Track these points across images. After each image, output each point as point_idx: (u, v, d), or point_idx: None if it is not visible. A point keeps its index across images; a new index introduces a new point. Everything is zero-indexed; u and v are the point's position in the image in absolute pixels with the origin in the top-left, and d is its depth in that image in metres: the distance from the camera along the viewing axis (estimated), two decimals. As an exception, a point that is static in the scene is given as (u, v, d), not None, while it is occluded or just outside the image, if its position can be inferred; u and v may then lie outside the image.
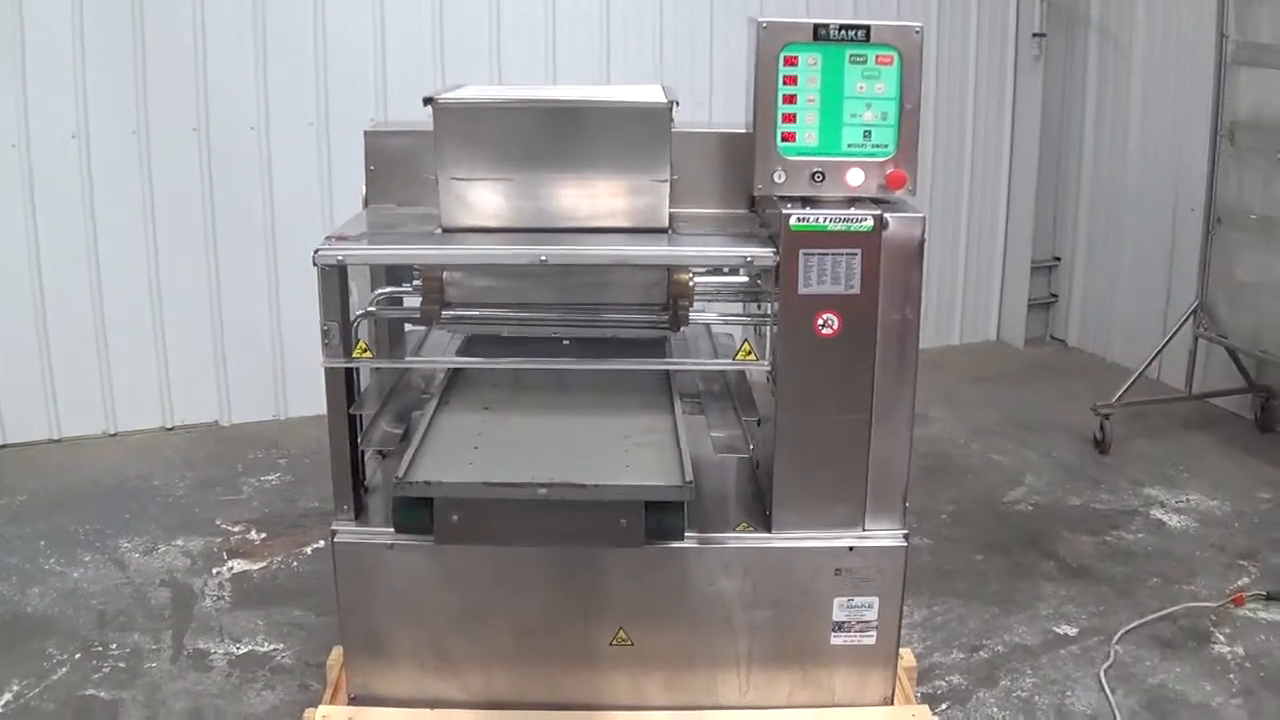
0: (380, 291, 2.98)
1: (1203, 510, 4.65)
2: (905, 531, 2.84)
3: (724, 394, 3.10)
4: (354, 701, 2.90)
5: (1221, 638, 3.71)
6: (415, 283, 2.89)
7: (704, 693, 2.90)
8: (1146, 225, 6.16)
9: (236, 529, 4.44)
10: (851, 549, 2.81)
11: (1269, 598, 3.89)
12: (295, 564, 4.17)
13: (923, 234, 2.68)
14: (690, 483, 2.56)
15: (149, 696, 3.36)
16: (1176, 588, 4.04)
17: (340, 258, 2.65)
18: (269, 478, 4.95)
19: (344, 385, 2.77)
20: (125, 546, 4.28)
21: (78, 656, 3.55)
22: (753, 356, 2.75)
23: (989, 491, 4.86)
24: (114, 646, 3.61)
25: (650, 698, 2.89)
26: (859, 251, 2.66)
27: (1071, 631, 3.78)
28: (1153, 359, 5.35)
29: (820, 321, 2.68)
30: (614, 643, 2.84)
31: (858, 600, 2.85)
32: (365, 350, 2.73)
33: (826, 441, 2.76)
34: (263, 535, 4.39)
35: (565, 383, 3.08)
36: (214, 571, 4.11)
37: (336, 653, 3.06)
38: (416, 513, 2.42)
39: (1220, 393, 5.53)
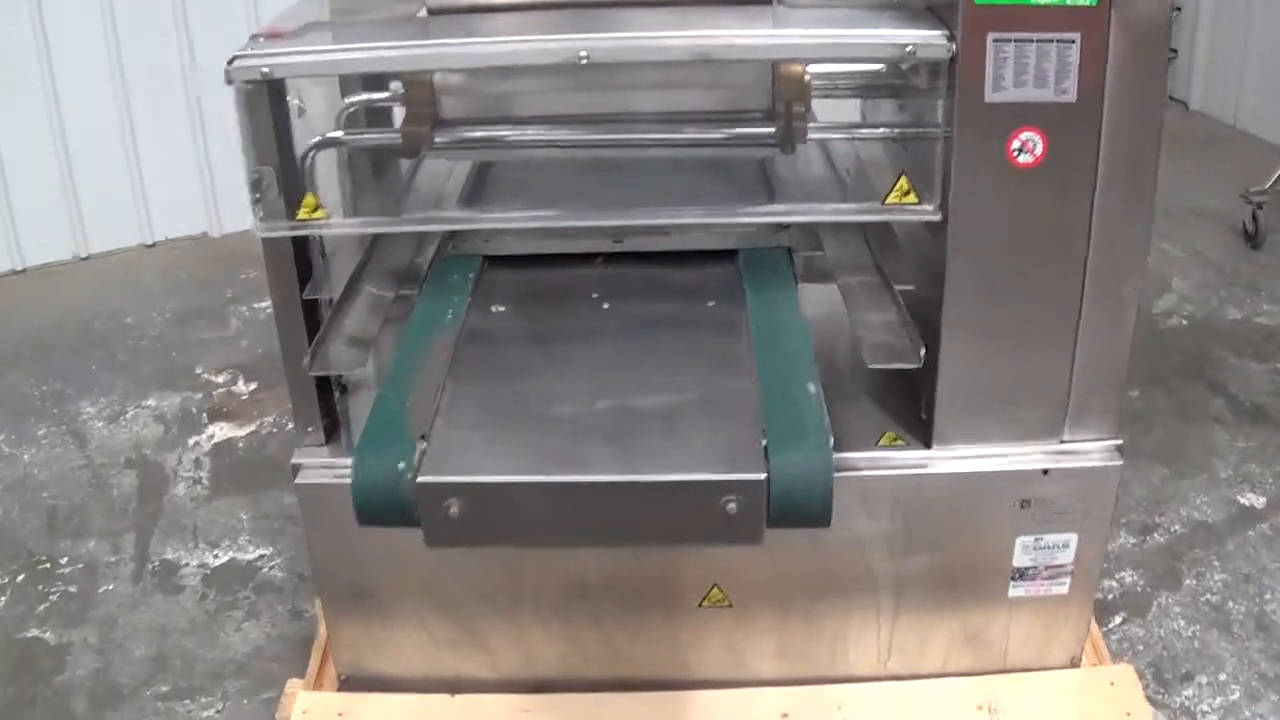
0: (352, 101, 1.96)
1: (1393, 324, 3.64)
2: (1119, 442, 1.87)
3: (857, 241, 2.04)
4: (345, 685, 2.02)
5: None
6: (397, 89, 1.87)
7: (830, 661, 1.99)
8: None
9: (220, 379, 3.52)
10: (1046, 472, 1.85)
11: None
12: (289, 423, 3.24)
13: (1170, 10, 1.62)
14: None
15: (103, 638, 2.52)
16: (1381, 437, 3.08)
17: (267, 68, 1.62)
18: (263, 304, 3.96)
19: (292, 259, 1.77)
20: (88, 412, 3.37)
21: (21, 579, 2.70)
22: (912, 198, 1.71)
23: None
24: (64, 561, 2.76)
25: (755, 669, 1.99)
26: (1077, 37, 1.59)
27: (1259, 502, 2.86)
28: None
29: (1016, 144, 1.64)
30: (705, 603, 1.92)
31: (1049, 539, 1.90)
32: (317, 208, 1.71)
33: (1017, 319, 1.76)
34: (251, 386, 3.47)
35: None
36: (190, 442, 3.21)
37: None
38: (389, 498, 1.45)
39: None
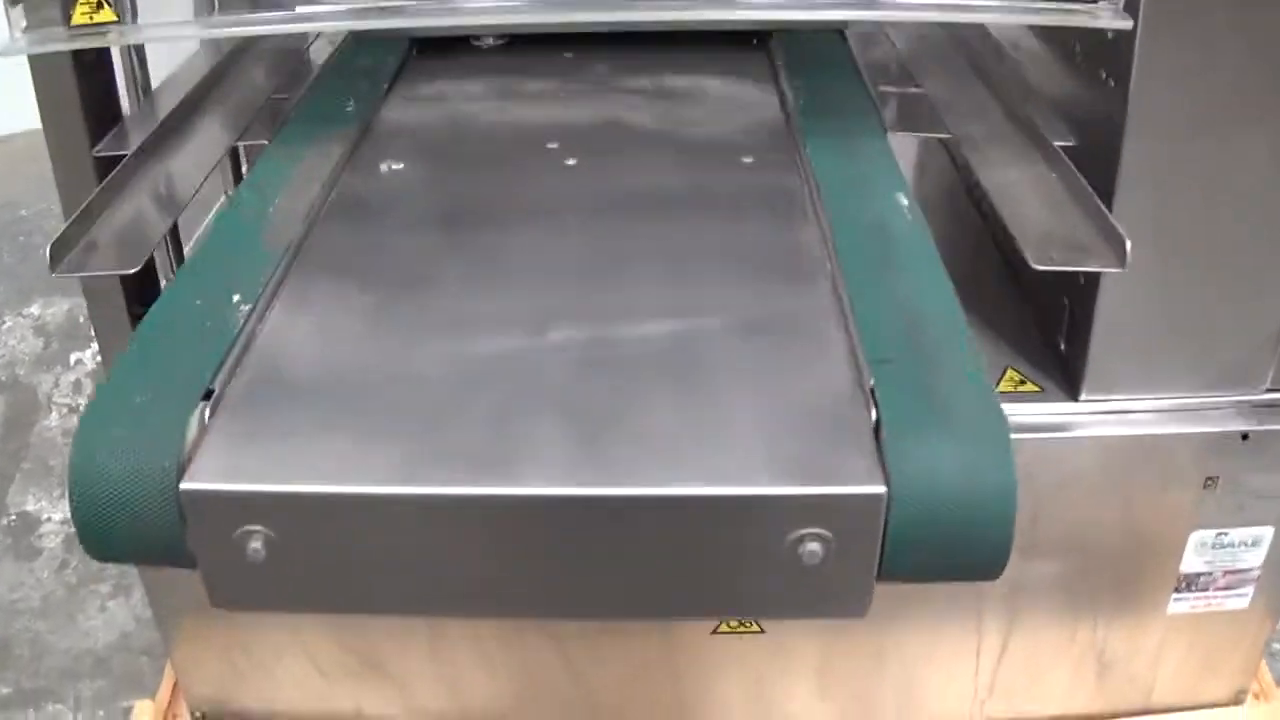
0: None
1: None
2: (1350, 394, 1.18)
3: (947, 49, 1.30)
4: (203, 724, 1.35)
5: None
6: None
7: (902, 706, 1.32)
8: None
9: (120, 284, 2.80)
10: (1245, 436, 1.16)
11: None
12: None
13: None
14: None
15: (-60, 617, 1.86)
16: None
17: None
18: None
19: (75, 91, 1.05)
20: (-42, 322, 2.66)
21: None
22: (1084, -10, 0.98)
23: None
24: (-91, 510, 2.08)
25: (792, 715, 1.32)
26: None
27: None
28: None
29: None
30: (724, 628, 1.24)
31: (1235, 534, 1.22)
32: (101, 6, 0.98)
33: (1228, 206, 1.05)
34: (156, 294, 2.75)
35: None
36: (72, 360, 2.50)
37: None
38: (130, 518, 0.71)
39: None
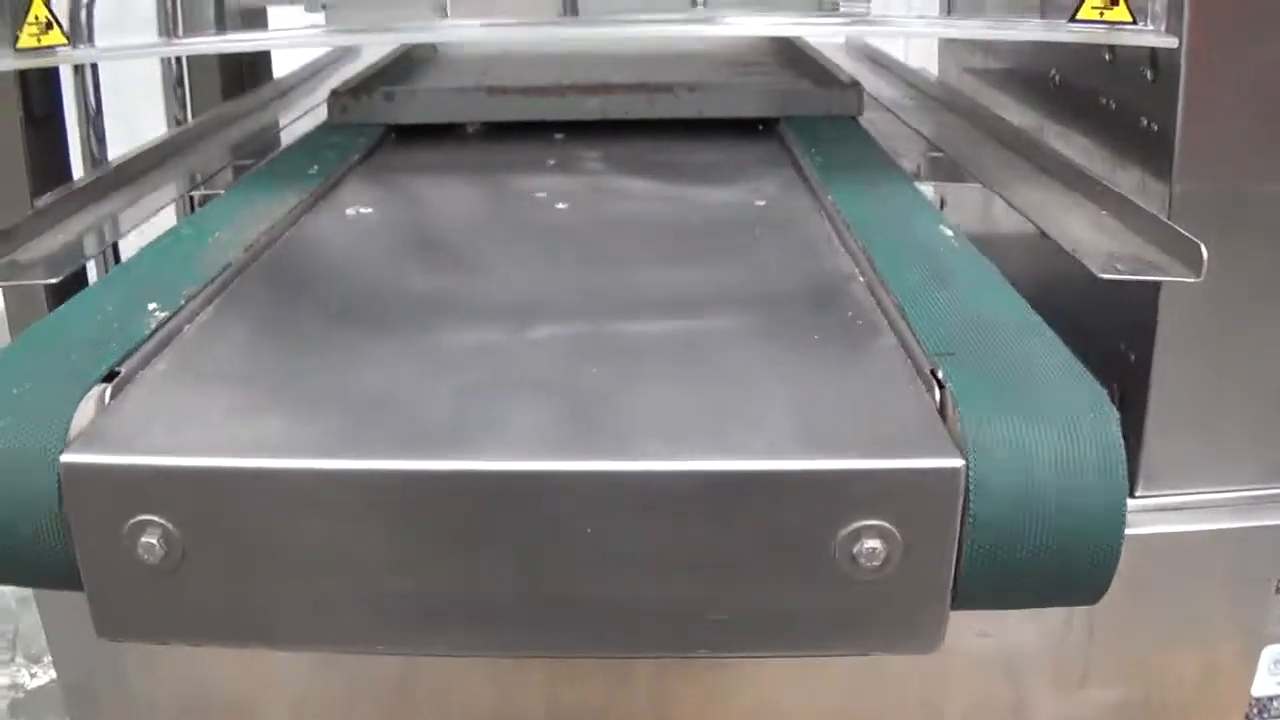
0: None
1: None
2: None
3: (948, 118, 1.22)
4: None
5: None
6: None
7: None
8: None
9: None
10: (1327, 532, 1.00)
11: None
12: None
13: None
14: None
15: None
16: None
17: None
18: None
19: (19, 133, 0.94)
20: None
21: None
22: (1121, 11, 0.87)
23: None
24: None
25: None
26: None
27: None
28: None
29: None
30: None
31: (1313, 648, 1.05)
32: (51, 27, 0.88)
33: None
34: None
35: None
36: None
37: None
38: (10, 509, 0.55)
39: None
